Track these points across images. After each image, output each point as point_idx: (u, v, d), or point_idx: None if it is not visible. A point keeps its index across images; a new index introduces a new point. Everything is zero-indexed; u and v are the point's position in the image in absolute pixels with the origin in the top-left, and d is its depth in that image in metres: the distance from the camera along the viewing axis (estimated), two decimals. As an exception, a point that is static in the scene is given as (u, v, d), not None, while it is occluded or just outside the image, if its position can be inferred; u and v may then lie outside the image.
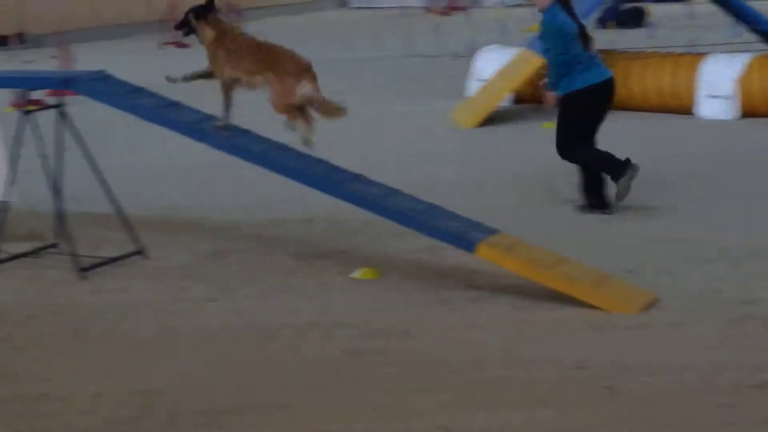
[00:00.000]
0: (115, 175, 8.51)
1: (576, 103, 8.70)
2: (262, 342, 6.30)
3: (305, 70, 7.21)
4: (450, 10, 28.03)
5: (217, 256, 8.02)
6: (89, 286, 7.37)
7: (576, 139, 8.79)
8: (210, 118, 7.79)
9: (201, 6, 7.48)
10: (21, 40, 22.22)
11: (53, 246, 8.01)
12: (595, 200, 8.93)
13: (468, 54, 14.14)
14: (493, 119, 12.90)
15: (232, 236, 8.52)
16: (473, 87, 13.93)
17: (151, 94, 7.91)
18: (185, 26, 7.56)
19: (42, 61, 16.04)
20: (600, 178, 8.90)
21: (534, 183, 10.04)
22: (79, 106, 9.08)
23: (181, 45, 22.63)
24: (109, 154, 9.91)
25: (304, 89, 7.17)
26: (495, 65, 13.74)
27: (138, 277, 7.55)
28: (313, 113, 7.31)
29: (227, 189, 10.09)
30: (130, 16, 25.66)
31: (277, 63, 7.22)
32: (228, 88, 7.48)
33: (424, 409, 5.32)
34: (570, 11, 8.75)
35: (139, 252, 7.89)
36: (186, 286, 7.32)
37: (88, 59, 16.05)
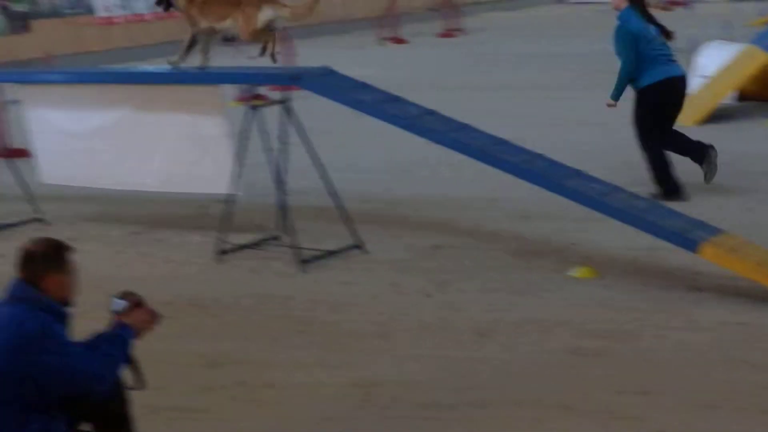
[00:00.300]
0: (336, 169, 8.65)
1: (648, 96, 9.10)
2: (479, 338, 6.29)
3: None
4: (670, 4, 27.34)
5: (434, 250, 8.05)
6: (310, 278, 7.53)
7: (653, 131, 9.11)
8: (431, 112, 7.84)
9: None
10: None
11: (276, 238, 8.22)
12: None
13: (689, 50, 13.73)
14: (716, 117, 12.52)
15: (449, 231, 8.55)
16: (695, 84, 13.53)
17: (373, 90, 8.02)
18: (163, 2, 8.44)
19: (264, 57, 16.41)
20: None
21: (760, 182, 9.70)
22: (301, 101, 9.27)
23: (398, 40, 22.91)
24: (330, 148, 10.07)
25: (264, 14, 7.94)
26: (718, 61, 13.32)
27: (356, 270, 7.66)
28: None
29: (445, 184, 10.13)
30: (349, 12, 26.11)
31: (239, 1, 8.02)
32: (206, 38, 8.48)
33: (643, 411, 5.21)
34: (645, 12, 9.20)
35: (357, 246, 8.01)
36: (403, 280, 7.39)
37: (307, 54, 16.38)
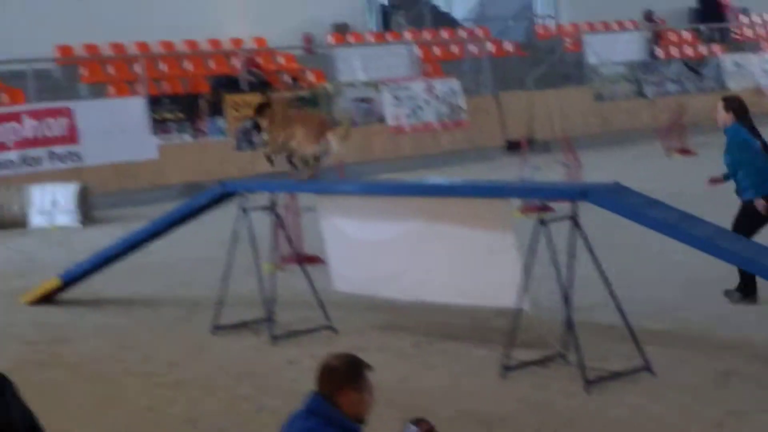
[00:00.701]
0: (622, 285, 8.46)
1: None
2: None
3: (324, 124, 9.38)
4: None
5: (727, 376, 7.69)
6: (594, 399, 7.34)
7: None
8: (724, 232, 7.57)
9: (259, 105, 9.68)
10: (531, 145, 23.08)
11: (560, 355, 8.08)
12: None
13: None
14: None
15: (742, 355, 8.16)
16: None
17: (665, 207, 7.83)
18: (256, 127, 9.44)
19: (549, 167, 16.50)
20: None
21: None
22: (588, 212, 9.16)
23: (687, 152, 22.39)
24: (617, 262, 9.88)
25: (323, 141, 9.18)
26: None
27: (643, 394, 7.40)
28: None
29: (737, 305, 9.71)
30: (634, 122, 25.85)
31: (305, 121, 9.41)
32: (287, 153, 9.39)
33: None
34: (752, 127, 9.59)
35: (645, 368, 7.76)
36: (693, 408, 7.08)
37: (593, 165, 16.30)
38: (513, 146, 23.38)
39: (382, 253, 8.90)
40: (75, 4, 23.28)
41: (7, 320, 10.47)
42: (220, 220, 13.17)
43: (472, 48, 25.63)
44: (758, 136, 9.61)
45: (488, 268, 8.26)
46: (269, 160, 9.56)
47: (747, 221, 9.41)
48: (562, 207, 9.57)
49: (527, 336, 8.24)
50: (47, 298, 11.09)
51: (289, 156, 9.43)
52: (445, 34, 28.23)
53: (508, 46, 28.09)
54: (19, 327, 10.15)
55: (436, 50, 27.13)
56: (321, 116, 10.07)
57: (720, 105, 9.67)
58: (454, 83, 23.66)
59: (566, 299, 7.83)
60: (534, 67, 26.40)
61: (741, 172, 9.40)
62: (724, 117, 9.58)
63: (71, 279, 11.05)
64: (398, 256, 8.81)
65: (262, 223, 9.65)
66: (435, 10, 31.35)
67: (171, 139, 19.84)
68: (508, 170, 18.77)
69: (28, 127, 18.39)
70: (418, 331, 9.17)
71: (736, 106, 9.64)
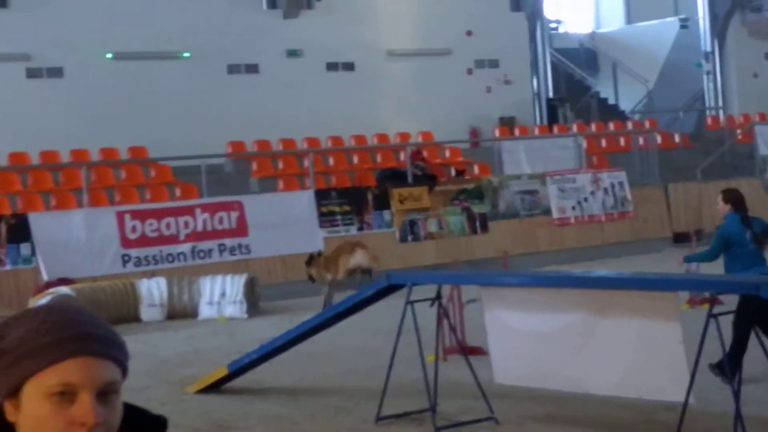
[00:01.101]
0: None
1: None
2: None
3: (355, 245, 10.67)
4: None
5: None
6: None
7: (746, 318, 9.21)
8: None
9: (310, 255, 11.64)
10: (698, 237, 22.62)
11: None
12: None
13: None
14: None
15: None
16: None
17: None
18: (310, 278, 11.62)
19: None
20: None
21: None
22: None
23: None
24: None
25: (354, 258, 10.98)
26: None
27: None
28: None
29: None
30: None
31: (339, 252, 11.08)
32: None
33: None
34: (746, 218, 10.32)
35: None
36: None
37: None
38: (680, 238, 22.94)
39: (545, 344, 8.81)
40: (248, 104, 24.10)
41: (174, 408, 10.69)
42: (383, 309, 13.27)
43: (640, 140, 25.39)
44: (749, 226, 10.36)
45: (654, 361, 8.08)
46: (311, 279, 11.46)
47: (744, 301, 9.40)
48: (729, 299, 9.30)
49: (692, 428, 7.99)
50: (214, 387, 11.29)
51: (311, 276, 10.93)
52: (612, 126, 28.08)
53: (677, 138, 27.74)
54: (186, 415, 10.35)
55: (603, 142, 26.99)
56: (352, 241, 11.71)
57: (719, 197, 10.63)
58: (621, 175, 23.43)
59: (736, 393, 7.58)
60: (703, 158, 25.97)
61: (710, 251, 10.51)
62: (722, 208, 10.48)
63: (238, 369, 11.24)
64: (562, 347, 8.69)
65: (424, 313, 9.67)
66: (602, 102, 31.29)
67: (337, 232, 20.15)
68: (675, 263, 18.37)
69: (200, 220, 18.96)
70: (582, 423, 9.00)
71: (733, 198, 10.50)
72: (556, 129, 27.51)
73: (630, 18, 34.61)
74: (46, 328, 1.99)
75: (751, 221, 10.42)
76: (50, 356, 1.97)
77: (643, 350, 8.12)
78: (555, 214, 22.42)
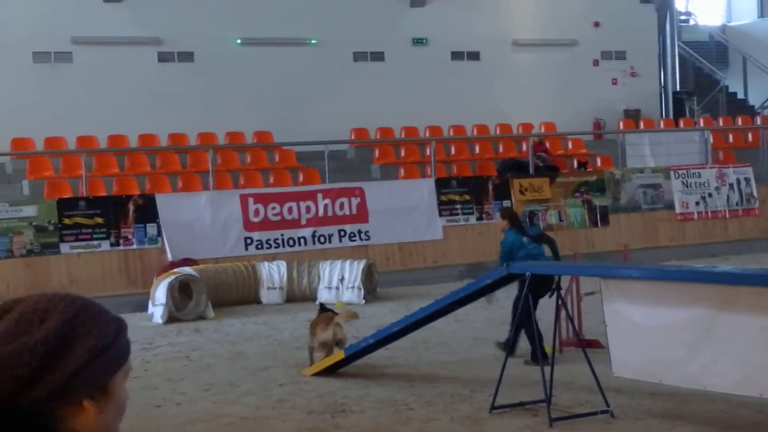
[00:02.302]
0: None
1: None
2: None
3: (330, 320, 11.68)
4: None
5: None
6: None
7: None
8: None
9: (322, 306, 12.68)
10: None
11: None
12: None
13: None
14: None
15: None
16: None
17: None
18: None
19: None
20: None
21: None
22: None
23: None
24: None
25: (326, 333, 11.56)
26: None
27: None
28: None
29: None
30: None
31: (317, 323, 11.87)
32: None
33: None
34: (521, 228, 12.29)
35: None
36: None
37: None
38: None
39: (665, 339, 8.70)
40: (373, 92, 24.24)
41: (292, 390, 10.85)
42: (500, 300, 13.23)
43: (768, 135, 24.81)
44: (525, 233, 12.25)
45: (777, 360, 7.92)
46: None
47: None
48: None
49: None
50: (330, 371, 11.42)
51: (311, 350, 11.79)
52: (740, 121, 27.49)
53: (807, 134, 27.03)
54: (303, 397, 10.49)
55: (730, 137, 26.45)
56: (327, 315, 12.04)
57: (498, 215, 12.86)
58: (748, 171, 22.93)
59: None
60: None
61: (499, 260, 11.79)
62: (502, 224, 12.35)
63: (354, 353, 11.35)
64: (682, 343, 8.57)
65: (541, 304, 9.63)
66: (731, 97, 30.64)
67: (456, 221, 20.16)
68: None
69: (321, 205, 19.15)
70: (699, 421, 8.86)
71: (509, 215, 12.59)
72: (682, 123, 27.03)
73: (763, 11, 33.78)
74: (112, 315, 2.02)
75: (525, 229, 12.58)
76: (127, 340, 2.01)
77: (765, 348, 7.96)
78: (678, 209, 22.06)
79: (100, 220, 17.57)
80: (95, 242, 17.48)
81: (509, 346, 11.01)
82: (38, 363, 1.86)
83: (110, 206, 17.80)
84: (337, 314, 11.96)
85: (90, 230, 17.46)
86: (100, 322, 1.95)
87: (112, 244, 17.60)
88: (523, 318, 10.63)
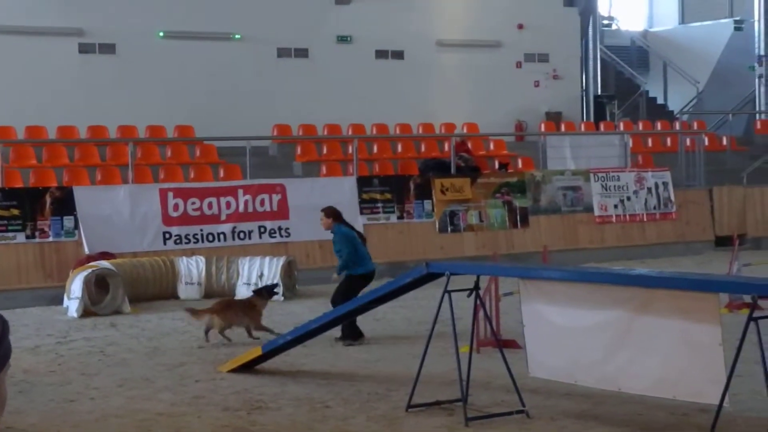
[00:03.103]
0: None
1: (354, 281, 13.02)
2: None
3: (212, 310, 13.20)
4: None
5: None
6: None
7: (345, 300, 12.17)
8: None
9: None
10: (741, 242, 22.44)
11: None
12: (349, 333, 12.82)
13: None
14: None
15: None
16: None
17: None
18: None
19: (759, 265, 16.00)
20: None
21: None
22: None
23: None
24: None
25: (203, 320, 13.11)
26: None
27: None
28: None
29: None
30: None
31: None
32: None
33: None
34: (347, 224, 13.45)
35: None
36: None
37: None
38: (723, 242, 22.78)
39: (583, 340, 8.75)
40: (296, 88, 24.16)
41: (208, 386, 10.75)
42: (418, 299, 13.27)
43: (687, 141, 25.19)
44: (353, 228, 13.49)
45: (692, 363, 8.00)
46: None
47: (345, 289, 12.85)
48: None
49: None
50: (247, 367, 11.34)
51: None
52: (659, 125, 27.89)
53: (725, 141, 27.50)
54: (219, 394, 10.40)
55: (649, 141, 26.81)
56: (215, 308, 13.24)
57: (322, 215, 13.42)
58: (666, 175, 23.26)
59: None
60: (750, 162, 25.73)
61: (345, 257, 12.97)
62: (326, 223, 13.29)
63: (272, 350, 11.28)
64: (599, 344, 8.63)
65: (459, 305, 9.64)
66: (651, 101, 31.07)
67: (377, 219, 20.16)
68: (716, 266, 18.26)
69: (242, 201, 19.03)
70: (614, 422, 8.94)
71: (333, 213, 13.33)
72: (602, 126, 27.35)
73: (684, 18, 34.32)
74: None
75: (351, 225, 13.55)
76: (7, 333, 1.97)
77: (681, 351, 8.05)
78: (597, 212, 22.30)
79: (16, 211, 17.26)
80: (10, 234, 17.18)
81: (353, 333, 12.72)
82: None
83: (27, 198, 17.50)
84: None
85: (5, 222, 17.15)
86: None
87: (28, 237, 17.30)
88: (339, 300, 12.46)
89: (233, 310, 13.18)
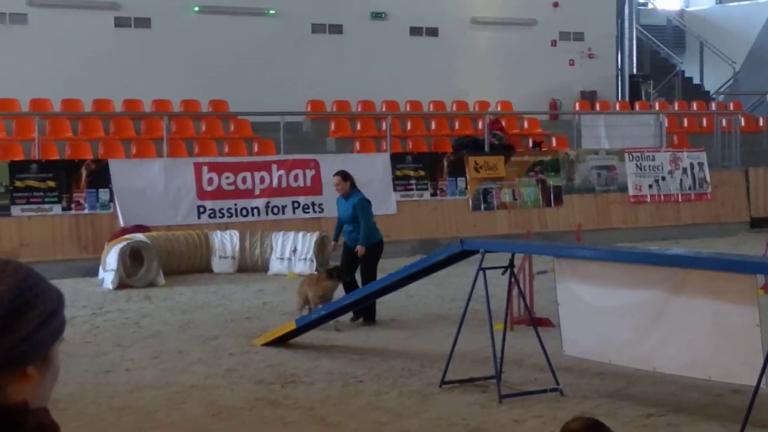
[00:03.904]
0: None
1: (375, 250, 12.83)
2: None
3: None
4: None
5: None
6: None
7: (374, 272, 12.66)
8: None
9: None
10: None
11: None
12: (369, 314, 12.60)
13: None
14: None
15: None
16: None
17: None
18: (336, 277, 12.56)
19: None
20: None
21: None
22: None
23: None
24: None
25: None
26: None
27: None
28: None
29: None
30: None
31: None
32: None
33: None
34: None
35: None
36: None
37: None
38: (757, 223, 22.64)
39: (617, 319, 8.75)
40: (330, 64, 24.14)
41: (241, 360, 10.82)
42: (450, 276, 13.25)
43: (723, 121, 25.02)
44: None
45: (727, 343, 7.99)
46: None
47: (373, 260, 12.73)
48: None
49: (763, 416, 7.90)
50: (281, 341, 11.40)
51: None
52: (695, 106, 27.71)
53: (761, 122, 27.29)
54: (253, 367, 10.47)
55: (685, 122, 26.65)
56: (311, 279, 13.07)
57: (338, 178, 12.99)
58: (701, 156, 23.13)
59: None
60: (787, 143, 25.55)
61: (369, 221, 12.81)
62: (345, 186, 12.90)
63: (306, 324, 11.34)
64: (634, 324, 8.63)
65: (493, 282, 9.64)
66: (686, 82, 30.85)
67: (410, 196, 20.16)
68: (751, 247, 18.17)
69: (276, 176, 19.08)
70: (647, 402, 8.93)
71: (351, 177, 13.00)
72: (637, 106, 27.19)
73: (721, -3, 34.01)
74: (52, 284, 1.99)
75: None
76: (64, 305, 1.98)
77: (716, 332, 8.03)
78: (631, 192, 22.20)
79: (52, 183, 17.39)
80: (47, 206, 17.31)
81: (369, 314, 12.51)
82: None
83: (63, 170, 17.62)
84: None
85: (42, 194, 17.28)
86: (46, 288, 1.93)
87: (63, 209, 17.43)
88: (370, 275, 12.49)
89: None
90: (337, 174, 13.26)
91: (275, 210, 18.94)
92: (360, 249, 12.82)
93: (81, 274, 16.67)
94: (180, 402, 9.18)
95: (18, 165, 17.49)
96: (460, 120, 24.43)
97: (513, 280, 9.78)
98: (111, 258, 15.91)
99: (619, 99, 28.28)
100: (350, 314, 12.46)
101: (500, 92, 26.07)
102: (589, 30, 27.75)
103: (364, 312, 12.56)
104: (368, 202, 13.02)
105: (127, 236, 16.55)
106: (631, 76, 29.11)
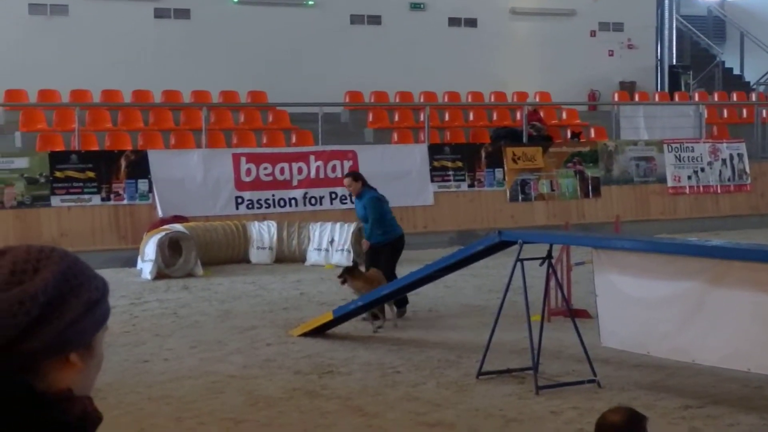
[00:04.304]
0: None
1: (396, 245, 12.78)
2: None
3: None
4: None
5: None
6: None
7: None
8: None
9: (348, 268, 12.66)
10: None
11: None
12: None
13: None
14: None
15: None
16: None
17: None
18: (343, 280, 12.18)
19: None
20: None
21: None
22: None
23: None
24: None
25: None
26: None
27: None
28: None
29: None
30: None
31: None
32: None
33: None
34: (374, 190, 12.97)
35: None
36: None
37: None
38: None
39: (656, 311, 8.70)
40: (369, 55, 24.13)
41: (279, 350, 10.86)
42: (489, 268, 13.22)
43: (763, 112, 24.77)
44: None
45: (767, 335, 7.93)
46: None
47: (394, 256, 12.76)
48: None
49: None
50: (318, 332, 11.43)
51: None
52: (735, 96, 27.48)
53: (801, 112, 27.03)
54: (290, 357, 10.50)
55: (725, 113, 26.44)
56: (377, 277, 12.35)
57: (349, 179, 13.04)
58: (741, 147, 22.94)
59: None
60: (828, 135, 25.28)
61: (380, 221, 12.65)
62: (355, 187, 12.87)
63: (343, 315, 11.35)
64: (673, 315, 8.58)
65: (530, 274, 9.62)
66: (727, 72, 30.59)
67: (448, 187, 20.15)
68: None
69: (314, 167, 19.11)
70: (686, 394, 8.89)
71: (362, 177, 13.04)
72: (677, 97, 26.99)
73: (762, -13, 33.68)
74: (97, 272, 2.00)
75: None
76: (108, 294, 1.99)
77: (756, 323, 7.97)
78: (670, 183, 22.07)
79: (91, 174, 17.52)
80: (86, 196, 17.45)
81: (400, 306, 12.40)
82: (38, 312, 1.83)
83: (102, 161, 17.75)
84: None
85: (81, 184, 17.42)
86: (91, 276, 1.94)
87: (103, 199, 17.56)
88: (392, 273, 12.43)
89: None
90: (347, 176, 13.39)
91: (313, 201, 18.98)
92: (365, 243, 12.99)
93: (120, 265, 16.78)
94: (218, 392, 9.24)
95: (58, 156, 17.64)
96: (499, 111, 24.35)
97: (551, 271, 9.75)
98: (149, 248, 16.02)
99: (659, 90, 28.08)
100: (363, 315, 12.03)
101: (539, 83, 25.96)
102: (629, 20, 27.57)
103: (399, 303, 12.50)
104: (378, 199, 12.88)
105: (165, 227, 16.65)
106: (671, 66, 28.90)
